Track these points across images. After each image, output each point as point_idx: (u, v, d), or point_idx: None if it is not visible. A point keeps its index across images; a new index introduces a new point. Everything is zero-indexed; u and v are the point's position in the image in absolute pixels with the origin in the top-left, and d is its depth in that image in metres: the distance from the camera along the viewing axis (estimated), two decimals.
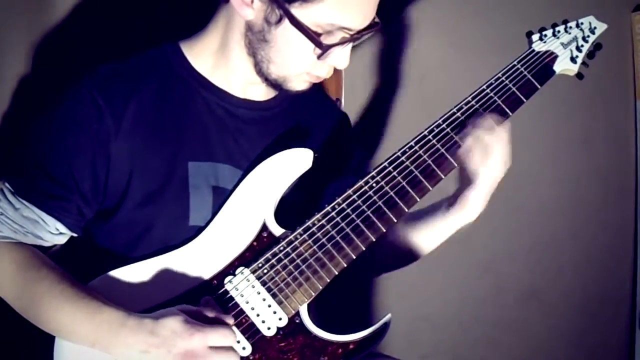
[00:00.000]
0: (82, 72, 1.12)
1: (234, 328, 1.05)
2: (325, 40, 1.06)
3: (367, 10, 1.07)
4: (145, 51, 1.18)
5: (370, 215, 1.10)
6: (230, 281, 1.08)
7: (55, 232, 1.09)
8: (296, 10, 1.03)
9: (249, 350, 1.06)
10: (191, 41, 1.19)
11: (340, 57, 1.11)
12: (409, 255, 1.29)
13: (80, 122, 1.08)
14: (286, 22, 1.05)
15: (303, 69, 1.11)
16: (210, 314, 1.03)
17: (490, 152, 1.10)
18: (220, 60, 1.16)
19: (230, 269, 1.09)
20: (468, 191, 1.13)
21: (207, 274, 1.09)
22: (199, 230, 1.12)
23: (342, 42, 1.07)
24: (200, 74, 1.17)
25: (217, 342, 0.99)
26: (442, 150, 1.13)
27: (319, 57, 1.08)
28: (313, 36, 1.05)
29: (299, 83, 1.14)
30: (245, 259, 1.10)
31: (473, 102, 1.15)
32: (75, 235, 1.12)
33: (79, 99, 1.09)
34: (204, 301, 1.07)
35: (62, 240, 1.11)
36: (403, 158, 1.12)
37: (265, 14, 1.06)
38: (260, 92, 1.18)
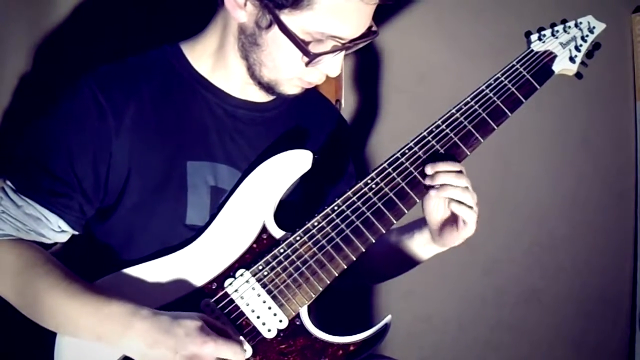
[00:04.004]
0: (82, 71, 1.12)
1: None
2: (315, 48, 1.05)
3: (360, 20, 1.05)
4: (146, 52, 1.18)
5: (370, 216, 1.10)
6: (230, 283, 1.08)
7: (57, 230, 1.09)
8: (285, 17, 1.03)
9: (249, 352, 1.05)
10: (191, 42, 1.19)
11: (331, 65, 1.10)
12: (381, 276, 1.36)
13: (81, 120, 1.08)
14: (276, 27, 1.04)
15: (294, 74, 1.10)
16: (227, 331, 1.03)
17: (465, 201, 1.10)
18: (219, 62, 1.16)
19: (230, 271, 1.09)
20: (452, 234, 1.14)
21: (207, 277, 1.09)
22: (197, 230, 1.12)
23: (332, 51, 1.07)
24: (200, 74, 1.17)
25: (227, 355, 0.99)
26: (442, 151, 1.13)
27: (306, 64, 1.07)
28: (300, 44, 1.04)
29: (290, 87, 1.14)
30: (245, 261, 1.09)
31: (472, 103, 1.15)
32: (76, 233, 1.12)
33: (80, 97, 1.09)
34: (204, 304, 1.07)
35: (64, 238, 1.11)
36: (402, 159, 1.12)
37: (256, 18, 1.06)
38: (260, 93, 1.18)
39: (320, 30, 1.03)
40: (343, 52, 1.09)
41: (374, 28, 1.10)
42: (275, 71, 1.10)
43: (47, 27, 1.38)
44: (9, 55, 1.34)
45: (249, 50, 1.10)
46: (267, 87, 1.14)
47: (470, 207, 1.11)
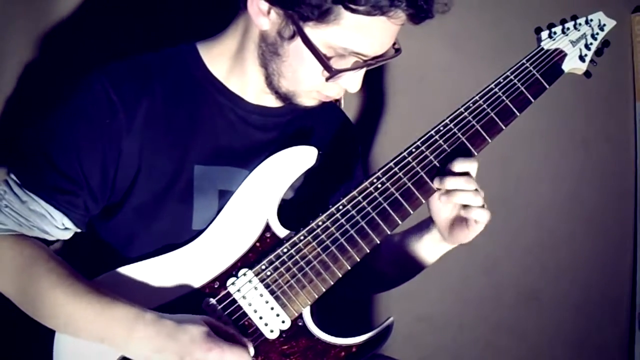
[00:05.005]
0: (95, 67, 1.10)
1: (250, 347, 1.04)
2: (336, 63, 1.04)
3: (384, 37, 1.04)
4: (162, 50, 1.16)
5: (375, 217, 1.09)
6: (233, 283, 1.07)
7: (61, 227, 1.08)
8: (310, 30, 1.01)
9: (251, 352, 1.04)
10: (209, 43, 1.17)
11: (352, 81, 1.09)
12: (390, 282, 1.34)
13: (92, 117, 1.07)
14: (299, 39, 1.03)
15: (313, 87, 1.09)
16: (232, 334, 1.02)
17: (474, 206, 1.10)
18: (236, 66, 1.14)
19: (233, 271, 1.08)
20: (463, 231, 1.13)
21: (209, 276, 1.07)
22: (202, 232, 1.10)
23: (354, 68, 1.06)
24: (215, 77, 1.15)
25: None
26: (449, 150, 1.11)
27: (327, 79, 1.06)
28: (322, 59, 1.03)
29: (308, 100, 1.13)
30: (249, 260, 1.08)
31: (481, 102, 1.13)
32: (79, 231, 1.11)
33: (92, 93, 1.07)
34: (206, 303, 1.06)
35: (67, 235, 1.10)
36: (409, 158, 1.11)
37: (279, 27, 1.04)
38: (274, 99, 1.16)
39: (344, 46, 1.02)
40: (364, 69, 1.08)
41: (397, 46, 1.09)
42: (294, 83, 1.09)
43: (53, 18, 1.37)
44: (14, 47, 1.33)
45: (268, 60, 1.08)
46: (284, 98, 1.12)
47: (482, 207, 1.10)
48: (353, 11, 0.98)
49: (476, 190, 1.10)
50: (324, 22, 1.00)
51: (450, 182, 1.09)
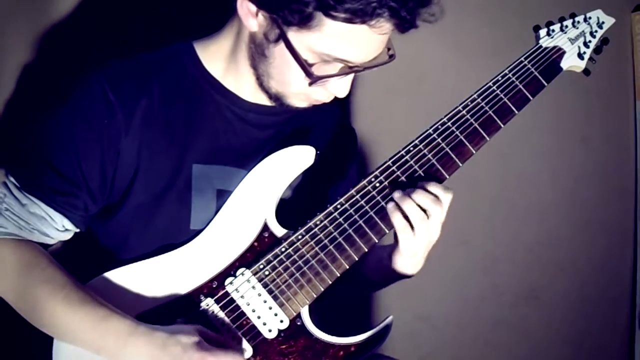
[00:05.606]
0: (92, 67, 1.10)
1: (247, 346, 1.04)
2: (321, 68, 1.04)
3: (368, 46, 1.02)
4: (158, 49, 1.16)
5: (373, 216, 1.08)
6: (231, 282, 1.07)
7: (61, 229, 1.08)
8: (293, 34, 1.01)
9: (249, 352, 1.05)
10: (205, 42, 1.16)
11: (338, 87, 1.07)
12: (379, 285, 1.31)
13: (90, 117, 1.07)
14: (283, 43, 1.02)
15: (299, 90, 1.08)
16: (226, 341, 1.02)
17: (415, 228, 1.05)
18: (232, 65, 1.14)
19: (231, 270, 1.08)
20: (395, 257, 1.11)
21: (207, 275, 1.07)
22: (200, 232, 1.10)
23: (339, 74, 1.05)
24: (212, 75, 1.15)
25: None
26: (447, 149, 1.11)
27: (309, 85, 1.05)
28: (304, 64, 1.02)
29: (297, 101, 1.12)
30: (246, 259, 1.08)
31: (479, 100, 1.13)
32: (79, 231, 1.10)
33: (90, 94, 1.07)
34: (204, 303, 1.06)
35: (67, 237, 1.10)
36: (407, 157, 1.10)
37: (265, 30, 1.04)
38: None
39: (327, 52, 1.01)
40: (352, 75, 1.07)
41: (391, 52, 1.08)
42: (281, 85, 1.08)
43: (52, 19, 1.37)
44: (12, 48, 1.33)
45: (257, 61, 1.08)
46: (275, 98, 1.12)
47: (412, 228, 1.06)
48: (333, 18, 0.97)
49: (425, 211, 1.05)
50: (306, 28, 0.99)
51: (416, 193, 1.06)
